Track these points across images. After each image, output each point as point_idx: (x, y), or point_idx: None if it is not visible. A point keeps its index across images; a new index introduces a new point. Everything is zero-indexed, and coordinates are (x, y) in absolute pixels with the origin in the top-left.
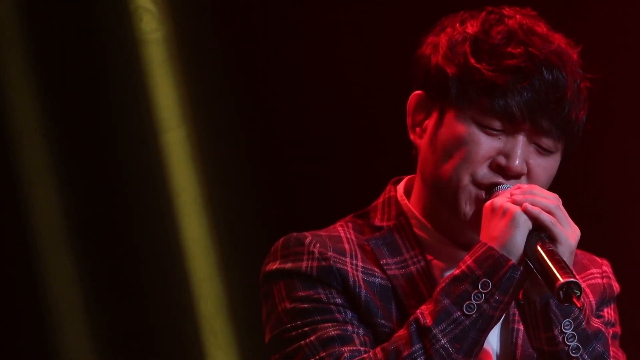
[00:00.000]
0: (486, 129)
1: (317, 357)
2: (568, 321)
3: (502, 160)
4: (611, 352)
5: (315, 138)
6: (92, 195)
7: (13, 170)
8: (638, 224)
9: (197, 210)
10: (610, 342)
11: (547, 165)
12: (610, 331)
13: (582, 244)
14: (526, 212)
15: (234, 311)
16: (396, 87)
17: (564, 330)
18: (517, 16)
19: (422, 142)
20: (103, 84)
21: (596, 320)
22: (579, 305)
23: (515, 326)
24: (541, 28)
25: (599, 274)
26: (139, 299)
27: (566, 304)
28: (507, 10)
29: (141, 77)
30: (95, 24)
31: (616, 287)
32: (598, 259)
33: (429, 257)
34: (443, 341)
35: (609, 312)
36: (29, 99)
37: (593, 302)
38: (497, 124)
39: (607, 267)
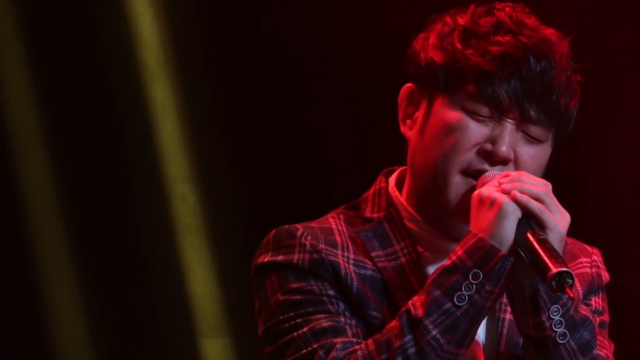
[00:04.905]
0: (474, 115)
1: (310, 348)
2: (556, 307)
3: (488, 146)
4: (598, 341)
5: (317, 134)
6: (90, 196)
7: (11, 170)
8: (627, 218)
9: (194, 209)
10: (597, 330)
11: (535, 154)
12: (598, 319)
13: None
14: (515, 200)
15: (232, 310)
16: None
17: (551, 316)
18: (507, 9)
19: (412, 134)
20: (102, 85)
21: (584, 307)
22: (572, 295)
23: (501, 315)
24: (531, 21)
25: (588, 263)
26: (137, 299)
27: (558, 293)
28: (497, 4)
29: (137, 75)
30: (93, 23)
31: (605, 276)
32: (589, 248)
33: (420, 249)
34: (434, 332)
35: (597, 301)
36: (27, 99)
37: (580, 291)
38: (484, 111)
39: (597, 256)
